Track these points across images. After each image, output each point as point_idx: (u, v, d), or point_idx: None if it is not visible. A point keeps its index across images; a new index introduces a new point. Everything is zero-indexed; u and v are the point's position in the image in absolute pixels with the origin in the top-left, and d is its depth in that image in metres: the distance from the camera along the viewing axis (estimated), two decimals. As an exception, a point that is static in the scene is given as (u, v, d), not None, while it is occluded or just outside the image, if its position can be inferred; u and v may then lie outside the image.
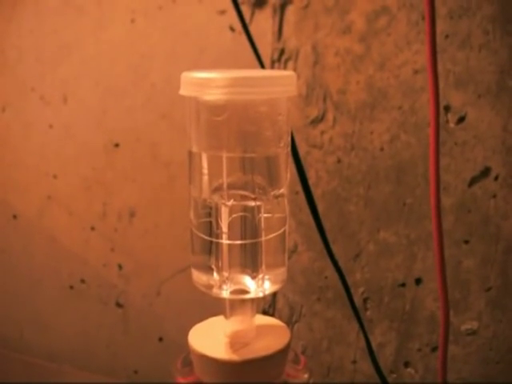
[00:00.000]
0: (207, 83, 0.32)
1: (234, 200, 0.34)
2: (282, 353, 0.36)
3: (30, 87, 0.88)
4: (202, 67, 0.74)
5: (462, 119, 0.65)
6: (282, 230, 0.36)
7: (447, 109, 0.65)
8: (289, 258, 0.75)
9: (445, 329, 0.58)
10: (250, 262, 0.35)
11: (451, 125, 0.65)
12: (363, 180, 0.70)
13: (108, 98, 0.82)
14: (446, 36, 0.63)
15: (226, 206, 0.34)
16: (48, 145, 0.89)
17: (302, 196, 0.65)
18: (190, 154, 0.36)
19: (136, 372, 0.92)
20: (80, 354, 0.96)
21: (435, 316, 0.70)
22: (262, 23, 0.71)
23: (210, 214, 0.35)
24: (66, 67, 0.84)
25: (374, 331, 0.74)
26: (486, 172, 0.65)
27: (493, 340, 0.69)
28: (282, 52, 0.70)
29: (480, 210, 0.66)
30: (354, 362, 0.76)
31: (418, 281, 0.70)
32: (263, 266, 0.35)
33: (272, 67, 0.71)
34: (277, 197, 0.35)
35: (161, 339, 0.89)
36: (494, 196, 0.65)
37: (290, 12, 0.69)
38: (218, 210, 0.34)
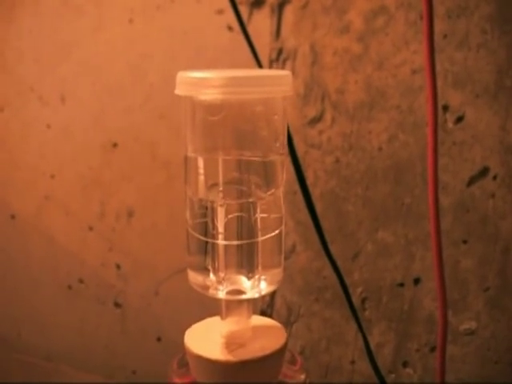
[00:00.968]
0: (203, 83, 0.32)
1: (230, 198, 0.34)
2: (279, 353, 0.36)
3: (29, 87, 0.88)
4: (201, 67, 0.74)
5: (460, 119, 0.65)
6: (278, 231, 0.36)
7: (445, 108, 0.65)
8: (287, 258, 0.75)
9: (443, 329, 0.58)
10: (246, 262, 0.35)
11: (449, 124, 0.65)
12: (361, 180, 0.70)
13: (106, 97, 0.82)
14: (444, 36, 0.63)
15: (221, 206, 0.34)
16: (46, 144, 0.89)
17: (300, 196, 0.65)
18: (186, 155, 0.35)
19: (134, 372, 0.92)
20: (78, 354, 0.96)
21: (433, 316, 0.70)
22: (260, 23, 0.71)
23: (206, 215, 0.35)
24: (65, 67, 0.84)
25: (373, 331, 0.73)
26: (484, 172, 0.65)
27: (491, 340, 0.69)
28: (280, 52, 0.70)
29: (478, 210, 0.66)
30: (353, 362, 0.76)
31: (417, 281, 0.70)
32: (259, 267, 0.35)
33: (270, 67, 0.71)
34: (273, 196, 0.35)
35: (159, 339, 0.89)
36: (493, 196, 0.65)
37: (288, 12, 0.69)
38: (213, 210, 0.34)
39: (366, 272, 0.72)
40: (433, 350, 0.71)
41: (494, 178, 0.65)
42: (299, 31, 0.69)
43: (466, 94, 0.64)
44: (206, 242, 0.35)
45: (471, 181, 0.66)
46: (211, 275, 0.36)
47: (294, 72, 0.70)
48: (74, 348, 0.96)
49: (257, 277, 0.35)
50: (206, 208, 0.35)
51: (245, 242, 0.35)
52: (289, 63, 0.70)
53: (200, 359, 0.35)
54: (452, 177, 0.66)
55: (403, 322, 0.72)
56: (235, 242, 0.34)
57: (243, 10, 0.71)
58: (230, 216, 0.34)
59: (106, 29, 0.80)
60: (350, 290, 0.69)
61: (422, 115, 0.66)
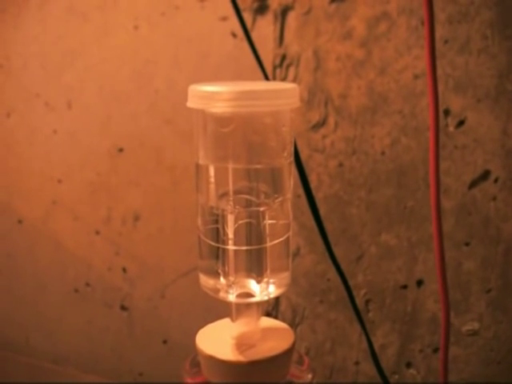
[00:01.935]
0: (214, 96, 0.34)
1: (240, 206, 0.35)
2: (287, 354, 0.37)
3: (35, 93, 0.89)
4: (205, 73, 0.75)
5: (461, 123, 0.66)
6: (286, 236, 0.37)
7: (447, 113, 0.66)
8: (291, 260, 0.76)
9: (446, 330, 0.58)
10: (256, 266, 0.36)
11: (451, 128, 0.66)
12: (365, 183, 0.71)
13: (112, 103, 0.83)
14: (446, 41, 0.64)
15: (231, 213, 0.35)
16: (53, 150, 0.89)
17: (303, 199, 0.66)
18: (198, 164, 0.37)
19: (141, 374, 0.93)
20: (85, 357, 0.97)
21: (437, 317, 0.71)
22: (264, 29, 0.72)
23: (217, 221, 0.36)
24: (71, 73, 0.85)
25: (376, 333, 0.74)
26: (485, 175, 0.66)
27: (494, 341, 0.70)
28: (283, 58, 0.71)
29: (480, 213, 0.67)
30: (357, 363, 0.77)
31: (420, 283, 0.71)
32: (268, 271, 0.36)
33: (274, 73, 0.72)
34: (281, 204, 0.36)
35: (165, 342, 0.89)
36: (494, 198, 0.66)
37: (291, 18, 0.70)
38: (224, 217, 0.36)
39: (370, 274, 0.73)
40: (436, 350, 0.72)
41: (496, 181, 0.66)
42: (302, 37, 0.70)
43: (468, 99, 0.65)
44: (217, 248, 0.36)
45: (473, 184, 0.67)
46: (222, 279, 0.37)
47: (297, 77, 0.71)
48: (81, 351, 0.97)
49: (265, 280, 0.36)
50: (217, 215, 0.36)
51: (254, 247, 0.36)
52: (292, 69, 0.71)
53: (212, 359, 0.37)
54: (454, 180, 0.67)
55: (406, 323, 0.73)
56: (244, 248, 0.36)
57: (247, 17, 0.71)
58: (239, 222, 0.35)
59: (111, 35, 0.81)
60: (354, 292, 0.69)
61: (424, 119, 0.67)
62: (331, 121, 0.70)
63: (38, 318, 0.99)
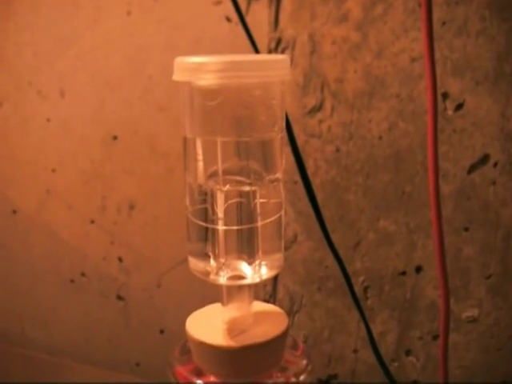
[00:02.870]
0: (200, 68, 0.32)
1: (230, 185, 0.34)
2: (280, 339, 0.36)
3: (27, 81, 0.87)
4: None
5: (460, 106, 0.65)
6: (277, 215, 0.36)
7: (445, 96, 0.65)
8: (289, 248, 0.75)
9: (445, 316, 0.58)
10: (247, 247, 0.35)
11: (449, 112, 0.65)
12: (362, 169, 0.70)
13: (105, 90, 0.82)
14: (443, 23, 0.63)
15: (221, 191, 0.34)
16: (46, 139, 0.89)
17: (300, 186, 0.65)
18: (185, 140, 0.35)
19: (138, 364, 0.92)
20: (81, 348, 0.96)
21: (436, 304, 0.70)
22: (258, 13, 0.71)
23: (206, 201, 0.35)
24: (63, 61, 0.84)
25: (375, 320, 0.74)
26: (484, 159, 0.65)
27: (494, 327, 0.69)
28: (278, 42, 0.70)
29: (479, 197, 0.66)
30: (355, 351, 0.76)
31: (419, 269, 0.70)
32: (260, 252, 0.35)
33: (269, 57, 0.71)
34: (272, 182, 0.35)
35: (162, 331, 0.89)
36: (494, 183, 0.65)
37: (286, 1, 0.69)
38: (213, 196, 0.34)
39: (368, 261, 0.72)
40: (435, 338, 0.71)
41: (495, 165, 0.65)
42: (297, 21, 0.69)
43: (466, 82, 0.64)
44: (206, 228, 0.35)
45: (472, 168, 0.66)
46: (212, 261, 0.36)
47: (292, 61, 0.70)
48: (77, 342, 0.96)
49: (257, 262, 0.35)
50: (206, 194, 0.35)
51: (245, 227, 0.35)
52: (287, 53, 0.70)
53: (202, 345, 0.36)
54: (452, 164, 0.66)
55: (405, 310, 0.72)
56: (235, 228, 0.34)
57: (241, 1, 0.70)
58: (229, 202, 0.34)
59: (104, 22, 0.80)
60: (352, 280, 0.69)
61: (422, 103, 0.66)
62: (327, 105, 0.69)
63: (33, 308, 0.98)
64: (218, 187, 0.34)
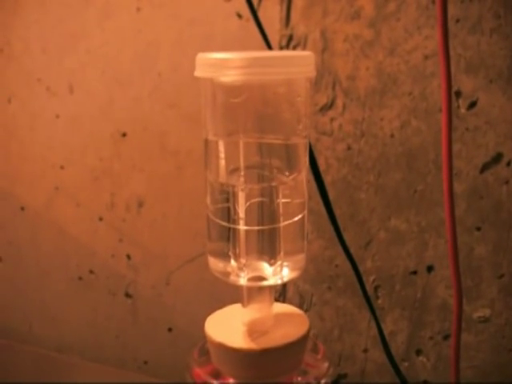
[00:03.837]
0: (224, 64, 0.32)
1: (252, 184, 0.33)
2: (301, 342, 0.36)
3: (36, 78, 0.87)
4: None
5: (473, 104, 0.64)
6: (300, 216, 0.35)
7: (458, 94, 0.64)
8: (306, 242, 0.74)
9: (458, 316, 0.57)
10: (268, 248, 0.34)
11: (462, 110, 0.65)
12: (373, 167, 0.69)
13: (114, 87, 0.82)
14: (457, 20, 0.63)
15: (243, 190, 0.33)
16: (55, 135, 0.88)
17: (312, 184, 0.65)
18: (206, 139, 0.35)
19: (146, 362, 0.92)
20: (89, 346, 0.96)
21: (447, 304, 0.70)
22: (270, 10, 0.70)
23: (227, 200, 0.34)
24: (72, 57, 0.84)
25: (385, 319, 0.73)
26: (497, 158, 0.65)
27: (505, 327, 0.69)
28: (290, 38, 0.70)
29: (492, 197, 0.66)
30: (366, 350, 0.76)
31: (430, 268, 0.70)
32: (281, 253, 0.35)
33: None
34: (295, 180, 0.34)
35: (170, 329, 0.88)
36: (506, 182, 0.65)
37: (298, -2, 0.68)
38: (234, 194, 0.34)
39: (379, 260, 0.72)
40: (446, 337, 0.71)
41: (508, 164, 0.64)
42: (309, 17, 0.68)
43: (479, 80, 0.63)
44: (228, 228, 0.34)
45: (484, 167, 0.65)
46: (232, 261, 0.35)
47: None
48: (85, 339, 0.96)
49: (279, 263, 0.35)
50: (228, 193, 0.34)
51: (266, 227, 0.34)
52: (299, 50, 0.70)
53: (221, 347, 0.35)
54: (465, 163, 0.66)
55: (416, 309, 0.72)
56: (256, 228, 0.34)
57: (252, -3, 0.70)
58: (251, 201, 0.34)
59: (113, 18, 0.80)
60: (363, 278, 0.68)
61: (435, 101, 0.65)
62: (339, 103, 0.69)
63: (41, 306, 0.98)
64: (240, 186, 0.33)
